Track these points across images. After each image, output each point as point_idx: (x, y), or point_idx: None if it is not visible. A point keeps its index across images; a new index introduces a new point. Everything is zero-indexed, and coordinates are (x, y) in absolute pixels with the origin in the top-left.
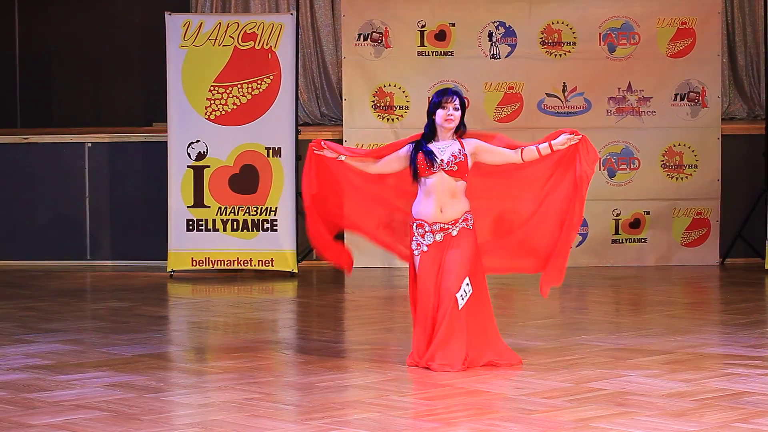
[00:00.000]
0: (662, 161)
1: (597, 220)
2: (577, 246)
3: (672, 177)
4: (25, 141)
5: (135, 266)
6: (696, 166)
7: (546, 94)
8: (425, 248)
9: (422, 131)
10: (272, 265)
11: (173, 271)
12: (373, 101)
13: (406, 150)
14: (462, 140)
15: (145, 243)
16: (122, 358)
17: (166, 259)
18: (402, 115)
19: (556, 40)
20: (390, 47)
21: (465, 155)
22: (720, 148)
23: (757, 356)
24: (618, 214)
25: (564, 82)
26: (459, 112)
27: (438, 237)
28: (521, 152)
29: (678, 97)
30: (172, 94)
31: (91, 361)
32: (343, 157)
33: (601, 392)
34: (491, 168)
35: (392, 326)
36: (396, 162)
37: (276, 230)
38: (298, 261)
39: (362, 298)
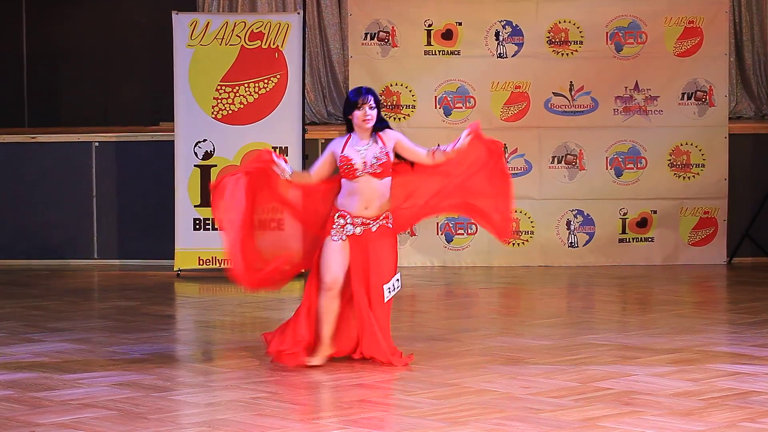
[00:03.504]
0: (669, 160)
1: (604, 219)
2: (584, 245)
3: (679, 176)
4: (33, 140)
5: (142, 265)
6: (703, 166)
7: (553, 93)
8: (344, 238)
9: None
10: None
11: (180, 270)
12: (380, 100)
13: (330, 153)
14: (382, 136)
15: (152, 242)
16: (129, 357)
17: (173, 259)
18: (409, 114)
19: (563, 39)
20: (397, 46)
21: (387, 153)
22: (727, 148)
23: (765, 356)
24: (625, 214)
25: (571, 81)
26: (375, 111)
27: (357, 230)
28: (432, 154)
29: (685, 96)
30: (179, 93)
31: (98, 360)
32: (288, 174)
33: (607, 391)
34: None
35: (398, 326)
36: (328, 166)
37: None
38: None
39: None
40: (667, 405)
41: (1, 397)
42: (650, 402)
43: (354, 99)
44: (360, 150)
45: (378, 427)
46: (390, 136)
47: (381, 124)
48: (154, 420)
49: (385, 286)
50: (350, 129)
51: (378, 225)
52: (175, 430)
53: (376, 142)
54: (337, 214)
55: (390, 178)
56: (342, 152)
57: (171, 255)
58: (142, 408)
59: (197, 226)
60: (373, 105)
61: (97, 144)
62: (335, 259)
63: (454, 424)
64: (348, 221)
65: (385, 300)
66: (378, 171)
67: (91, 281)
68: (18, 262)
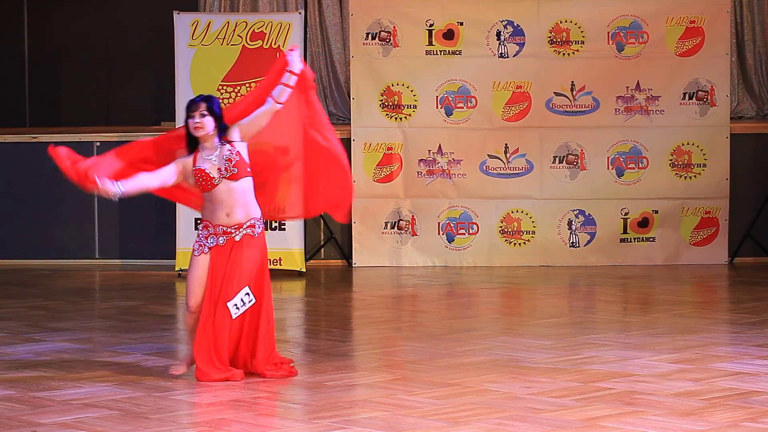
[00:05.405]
0: (671, 160)
1: (605, 219)
2: (585, 245)
3: (680, 176)
4: (34, 140)
5: (143, 265)
6: (704, 165)
7: (554, 93)
8: (206, 250)
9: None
10: (280, 264)
11: (181, 270)
12: (381, 100)
13: (179, 163)
14: (226, 138)
15: (154, 242)
16: (130, 357)
17: (174, 258)
18: (410, 114)
19: (564, 39)
20: (398, 46)
21: (238, 152)
22: (729, 147)
23: (766, 355)
24: (626, 213)
25: (572, 81)
26: (208, 117)
27: (221, 240)
28: (273, 98)
29: (686, 96)
30: (180, 93)
31: (99, 360)
32: (118, 194)
33: (609, 391)
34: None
35: (400, 325)
36: (177, 176)
37: (284, 229)
38: (306, 260)
39: (370, 297)
40: (668, 405)
41: (3, 396)
42: (652, 402)
43: (187, 109)
44: (211, 158)
45: (379, 427)
46: (232, 132)
47: (221, 129)
48: (155, 420)
49: (230, 304)
50: (192, 143)
51: (243, 234)
52: (177, 429)
53: (224, 146)
54: (201, 225)
55: (250, 178)
56: (194, 166)
57: (172, 255)
58: (144, 408)
59: (199, 226)
60: (205, 112)
61: (98, 144)
62: (197, 279)
63: (455, 424)
64: (211, 231)
65: (233, 317)
66: (234, 172)
67: (92, 281)
68: (19, 262)
